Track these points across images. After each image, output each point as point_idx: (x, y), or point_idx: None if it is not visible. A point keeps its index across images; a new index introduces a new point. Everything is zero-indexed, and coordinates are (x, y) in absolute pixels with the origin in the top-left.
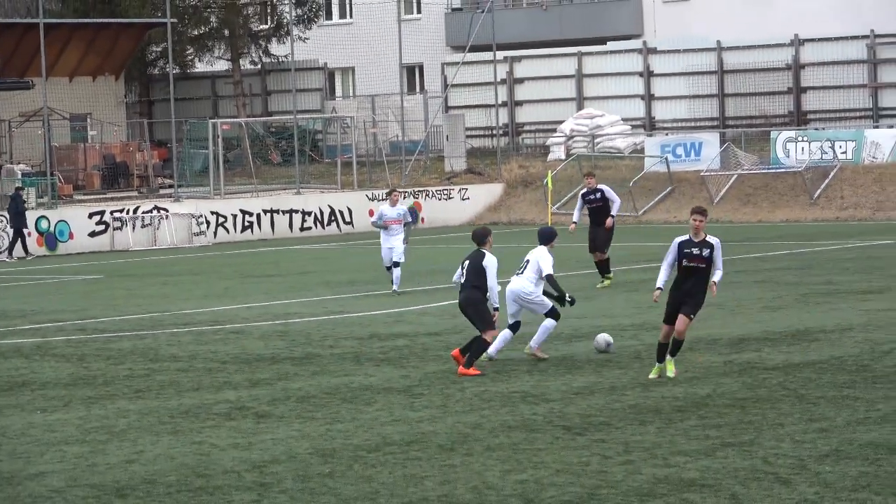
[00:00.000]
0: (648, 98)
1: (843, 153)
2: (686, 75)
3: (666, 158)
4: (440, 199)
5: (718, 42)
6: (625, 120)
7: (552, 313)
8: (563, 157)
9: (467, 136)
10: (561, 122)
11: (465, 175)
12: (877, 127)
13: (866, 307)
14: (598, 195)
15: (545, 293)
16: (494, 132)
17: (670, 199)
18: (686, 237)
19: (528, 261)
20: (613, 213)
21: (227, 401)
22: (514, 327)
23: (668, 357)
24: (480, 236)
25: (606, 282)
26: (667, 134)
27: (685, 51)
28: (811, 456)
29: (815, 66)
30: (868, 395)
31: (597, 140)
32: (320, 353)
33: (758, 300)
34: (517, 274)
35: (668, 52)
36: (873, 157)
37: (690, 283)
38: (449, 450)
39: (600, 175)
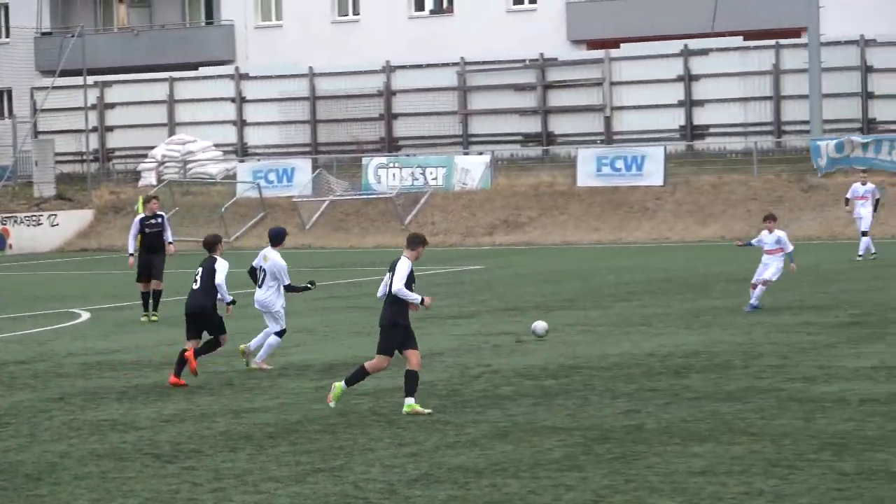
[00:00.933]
0: (241, 124)
1: (433, 179)
2: (278, 101)
3: (258, 184)
4: (29, 226)
5: (311, 68)
6: (217, 146)
7: (280, 333)
8: (154, 182)
9: (57, 162)
10: (153, 148)
11: (55, 201)
12: (467, 153)
13: (457, 332)
14: (160, 220)
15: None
16: (85, 157)
17: (263, 224)
18: (411, 264)
19: (263, 269)
20: (171, 239)
21: None
22: (280, 333)
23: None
24: (211, 243)
25: (154, 317)
26: (259, 160)
27: (277, 77)
28: (401, 480)
29: (406, 92)
30: (457, 420)
31: (189, 166)
32: None
33: (350, 325)
34: (258, 286)
35: (261, 77)
36: (463, 184)
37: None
38: (36, 479)
39: (192, 201)
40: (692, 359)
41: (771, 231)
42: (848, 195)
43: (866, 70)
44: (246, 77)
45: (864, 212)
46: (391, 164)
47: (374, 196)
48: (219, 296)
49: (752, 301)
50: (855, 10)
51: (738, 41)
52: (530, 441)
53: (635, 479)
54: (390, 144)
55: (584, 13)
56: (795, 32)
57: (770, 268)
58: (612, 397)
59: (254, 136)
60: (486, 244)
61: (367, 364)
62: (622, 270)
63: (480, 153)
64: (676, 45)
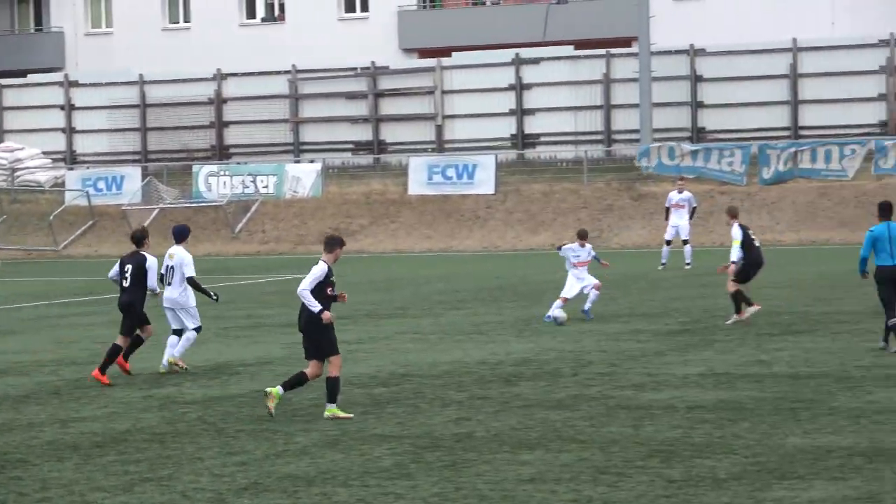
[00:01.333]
0: (70, 131)
1: (264, 187)
2: (108, 109)
3: (87, 192)
4: None
5: (141, 76)
6: (46, 153)
7: (197, 329)
8: None
9: None
10: None
11: None
12: (298, 161)
13: (286, 341)
14: None
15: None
16: None
17: (91, 232)
18: (327, 267)
19: (171, 267)
20: None
21: None
22: (179, 333)
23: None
24: (139, 238)
25: None
26: (88, 167)
27: (107, 84)
28: (230, 489)
29: (237, 100)
30: (287, 429)
31: (17, 174)
32: None
33: None
34: (167, 284)
35: (90, 85)
36: (294, 192)
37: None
38: None
39: (20, 209)
40: (522, 367)
41: (583, 246)
42: (666, 203)
43: (696, 79)
44: (75, 84)
45: (681, 220)
46: (222, 172)
47: (205, 204)
48: (149, 291)
49: (553, 312)
50: (685, 20)
51: (569, 50)
52: (360, 449)
53: (465, 486)
54: (221, 152)
55: (415, 22)
56: (626, 42)
57: (586, 278)
58: (443, 405)
59: (83, 144)
60: (316, 252)
61: (307, 371)
62: (453, 278)
63: (312, 161)
64: (508, 54)
